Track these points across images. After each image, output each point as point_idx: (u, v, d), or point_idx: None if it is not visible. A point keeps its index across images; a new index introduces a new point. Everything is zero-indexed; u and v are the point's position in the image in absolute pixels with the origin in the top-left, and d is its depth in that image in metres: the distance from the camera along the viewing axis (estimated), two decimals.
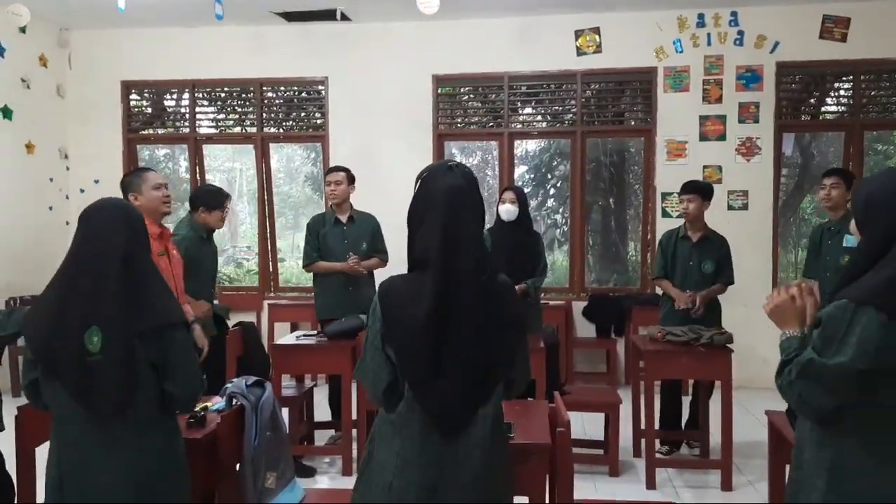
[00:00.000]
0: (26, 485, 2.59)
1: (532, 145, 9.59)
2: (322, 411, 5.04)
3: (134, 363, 1.98)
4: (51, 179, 7.03)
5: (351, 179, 4.98)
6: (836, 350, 1.71)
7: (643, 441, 4.36)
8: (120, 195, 3.62)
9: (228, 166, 11.33)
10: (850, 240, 4.05)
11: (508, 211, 4.72)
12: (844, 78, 6.74)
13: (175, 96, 7.66)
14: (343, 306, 4.72)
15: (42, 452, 2.28)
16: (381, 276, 4.95)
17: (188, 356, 2.11)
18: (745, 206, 6.54)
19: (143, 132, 7.56)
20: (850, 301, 1.71)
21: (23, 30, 6.40)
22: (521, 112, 7.22)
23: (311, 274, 5.08)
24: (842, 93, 6.93)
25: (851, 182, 4.54)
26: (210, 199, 4.40)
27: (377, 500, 1.81)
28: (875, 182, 1.85)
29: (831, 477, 1.78)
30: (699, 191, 4.67)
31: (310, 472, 4.31)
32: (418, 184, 1.90)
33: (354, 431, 4.39)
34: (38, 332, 2.05)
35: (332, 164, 6.91)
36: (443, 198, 1.82)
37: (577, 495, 2.56)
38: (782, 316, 1.91)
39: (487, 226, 4.48)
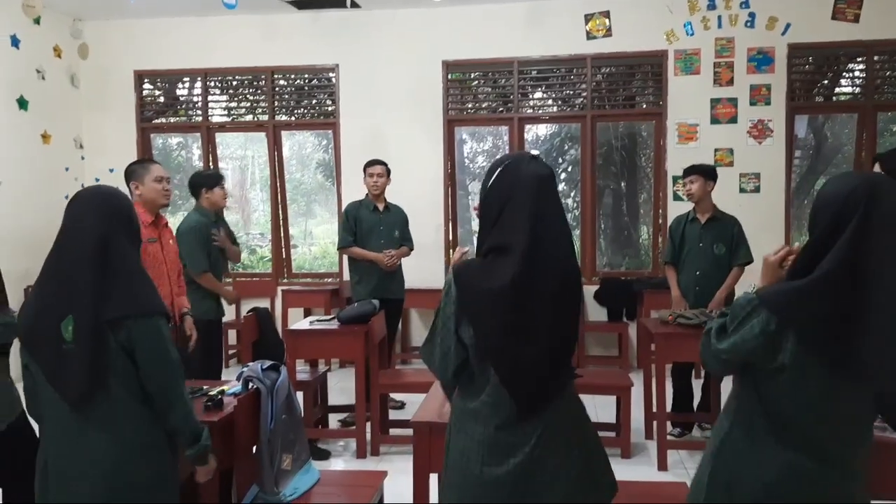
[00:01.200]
0: None
1: (542, 130, 9.57)
2: (335, 396, 5.09)
3: (103, 352, 1.97)
4: (66, 168, 7.11)
5: (388, 171, 5.32)
6: (728, 335, 1.77)
7: (655, 423, 4.39)
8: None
9: (241, 154, 11.38)
10: None
11: None
12: (857, 59, 6.68)
13: (187, 85, 7.72)
14: (380, 291, 5.10)
15: None
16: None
17: (157, 346, 2.04)
18: (756, 189, 6.52)
19: (156, 121, 7.63)
20: (757, 296, 1.73)
21: (37, 21, 6.46)
22: (531, 97, 7.21)
23: (333, 260, 5.37)
24: (855, 73, 6.87)
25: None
26: (206, 179, 4.70)
27: (470, 489, 1.84)
28: (829, 184, 1.79)
29: (716, 450, 1.84)
30: (701, 171, 4.70)
31: (324, 455, 4.38)
32: (497, 172, 1.89)
33: (368, 415, 4.45)
34: (26, 317, 2.08)
35: (343, 151, 7.03)
36: (531, 185, 1.82)
37: None
38: (764, 273, 1.91)
39: None
